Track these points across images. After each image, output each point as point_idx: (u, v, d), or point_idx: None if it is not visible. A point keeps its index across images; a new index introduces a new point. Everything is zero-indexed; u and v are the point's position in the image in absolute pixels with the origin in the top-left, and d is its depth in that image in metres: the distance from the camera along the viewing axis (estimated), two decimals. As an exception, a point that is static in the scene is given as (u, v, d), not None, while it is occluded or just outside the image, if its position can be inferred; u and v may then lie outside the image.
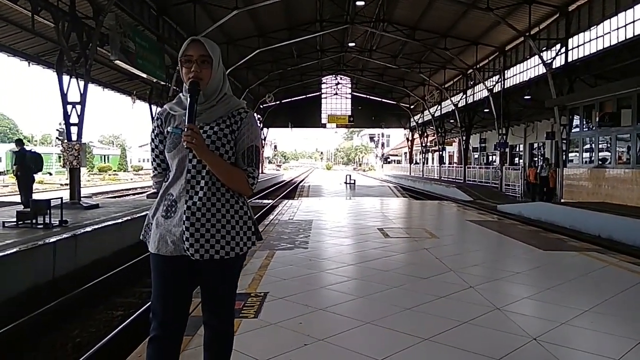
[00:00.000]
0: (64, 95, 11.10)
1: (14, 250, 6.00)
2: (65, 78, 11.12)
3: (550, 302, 3.95)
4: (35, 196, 11.19)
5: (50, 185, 28.82)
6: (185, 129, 1.78)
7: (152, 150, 2.05)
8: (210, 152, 1.84)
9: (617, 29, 15.38)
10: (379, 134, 75.21)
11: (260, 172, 1.95)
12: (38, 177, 15.04)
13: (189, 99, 1.84)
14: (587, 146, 15.99)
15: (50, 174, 38.48)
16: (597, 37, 16.47)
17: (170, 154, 1.92)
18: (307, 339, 3.07)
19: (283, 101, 42.78)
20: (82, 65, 11.15)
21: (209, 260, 1.87)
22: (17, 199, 12.40)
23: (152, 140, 2.03)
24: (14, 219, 7.87)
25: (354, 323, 3.37)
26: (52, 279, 6.57)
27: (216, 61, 1.91)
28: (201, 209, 1.86)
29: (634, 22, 14.66)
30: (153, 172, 2.09)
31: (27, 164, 11.33)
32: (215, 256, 1.87)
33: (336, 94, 46.91)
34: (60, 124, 14.21)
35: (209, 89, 1.91)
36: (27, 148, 12.54)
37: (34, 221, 7.75)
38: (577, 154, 16.39)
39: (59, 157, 31.29)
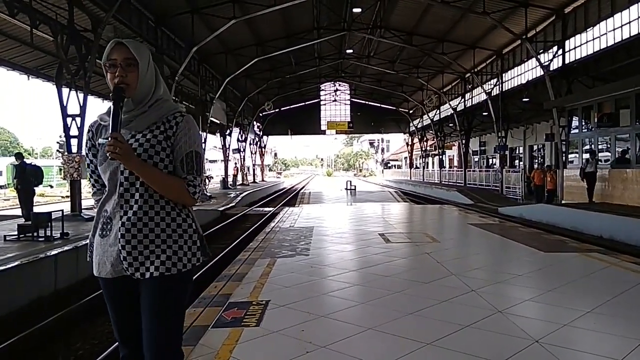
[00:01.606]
0: (63, 108, 11.17)
1: (16, 263, 6.02)
2: (65, 91, 11.20)
3: (552, 304, 3.95)
4: (36, 209, 11.21)
5: (52, 197, 28.85)
6: (109, 139, 1.64)
7: (88, 166, 1.89)
8: (140, 162, 1.69)
9: (614, 29, 15.44)
10: (378, 140, 75.39)
11: (202, 179, 1.80)
12: (39, 190, 15.05)
13: (112, 106, 1.70)
14: (587, 147, 16.00)
15: (51, 186, 38.47)
16: (593, 39, 16.53)
17: (102, 167, 1.77)
18: (309, 346, 3.07)
19: (282, 109, 42.88)
20: (82, 78, 11.22)
21: (149, 278, 1.72)
22: (18, 212, 12.42)
23: (87, 155, 1.87)
24: (16, 233, 7.90)
25: (356, 329, 3.36)
26: (55, 291, 6.57)
27: (144, 64, 1.76)
28: (137, 224, 1.71)
29: (629, 22, 14.72)
30: (92, 189, 1.92)
31: (27, 177, 11.35)
32: (154, 273, 1.71)
33: (335, 100, 47.00)
34: (60, 136, 14.28)
35: (138, 94, 1.76)
36: (27, 161, 12.57)
37: (35, 234, 7.78)
38: (577, 155, 16.39)
39: (60, 170, 31.33)
